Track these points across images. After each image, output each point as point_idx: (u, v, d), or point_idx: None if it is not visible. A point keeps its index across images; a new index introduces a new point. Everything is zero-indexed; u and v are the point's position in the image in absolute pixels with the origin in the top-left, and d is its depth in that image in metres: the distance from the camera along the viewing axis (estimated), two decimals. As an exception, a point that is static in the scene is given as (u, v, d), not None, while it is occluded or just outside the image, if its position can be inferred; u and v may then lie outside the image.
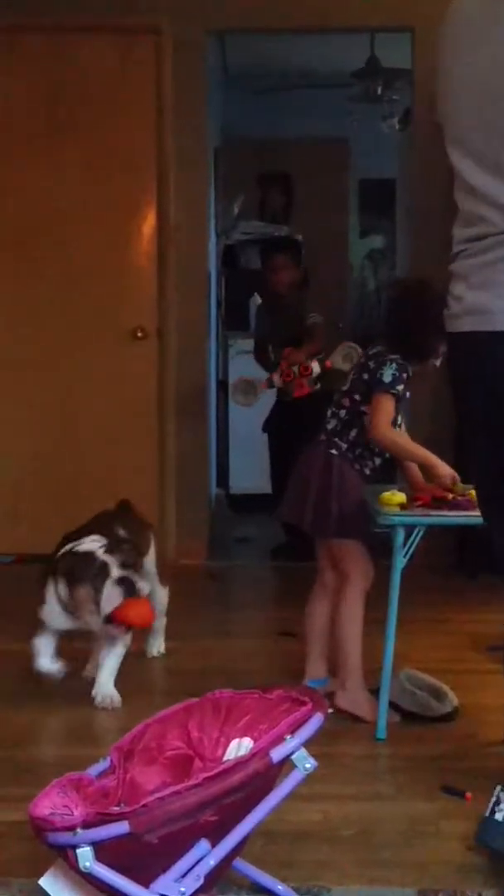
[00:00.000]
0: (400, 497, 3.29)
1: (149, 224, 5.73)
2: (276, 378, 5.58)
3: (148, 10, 5.59)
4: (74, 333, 5.73)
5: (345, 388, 3.59)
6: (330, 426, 3.56)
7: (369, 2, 5.56)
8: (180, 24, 5.59)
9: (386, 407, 3.42)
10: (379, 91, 7.47)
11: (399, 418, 3.54)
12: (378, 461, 3.55)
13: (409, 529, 3.31)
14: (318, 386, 5.46)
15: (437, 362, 3.46)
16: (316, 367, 5.45)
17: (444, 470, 3.41)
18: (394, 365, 3.44)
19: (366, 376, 3.51)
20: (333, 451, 3.51)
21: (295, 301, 5.80)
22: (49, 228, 5.72)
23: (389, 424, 3.43)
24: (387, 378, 3.43)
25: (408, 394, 3.51)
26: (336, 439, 3.52)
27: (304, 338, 5.62)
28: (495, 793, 2.50)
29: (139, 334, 5.71)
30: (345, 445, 3.51)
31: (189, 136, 5.68)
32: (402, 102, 7.20)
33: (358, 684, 3.46)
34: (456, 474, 3.39)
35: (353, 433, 3.52)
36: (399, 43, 5.91)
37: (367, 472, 3.54)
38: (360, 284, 9.39)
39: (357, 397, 3.52)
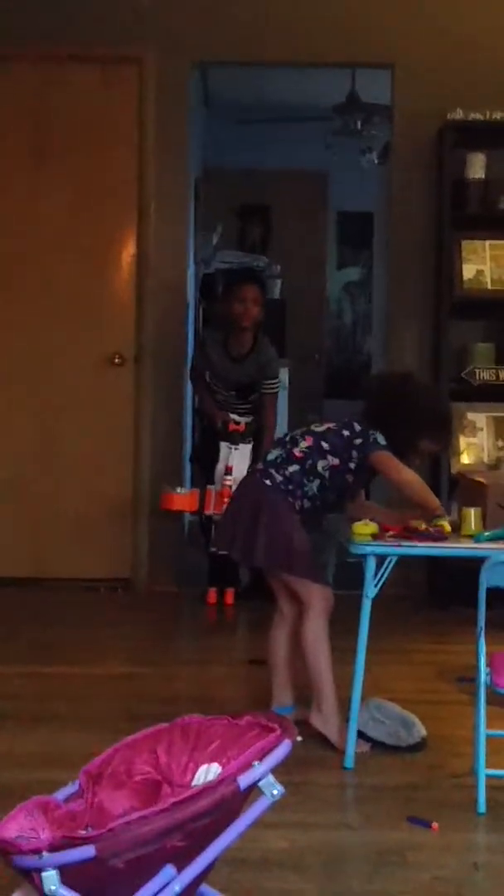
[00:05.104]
0: (372, 527, 3.31)
1: (128, 252, 5.76)
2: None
3: (133, 41, 5.64)
4: (53, 358, 5.74)
5: (317, 428, 3.57)
6: (271, 457, 3.56)
7: (351, 39, 5.64)
8: (165, 55, 5.65)
9: (394, 459, 3.46)
10: (358, 125, 7.56)
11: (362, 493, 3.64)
12: (307, 504, 3.51)
13: (381, 559, 3.33)
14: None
15: (417, 461, 3.55)
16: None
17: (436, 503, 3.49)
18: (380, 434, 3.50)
19: (346, 433, 3.50)
20: (267, 482, 3.50)
21: (261, 345, 5.41)
22: (29, 254, 5.74)
23: (407, 468, 3.48)
24: (381, 441, 3.47)
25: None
26: (272, 470, 3.51)
27: (256, 402, 5.40)
28: None
29: (116, 360, 5.73)
30: (280, 478, 3.49)
31: (170, 165, 5.72)
32: (381, 137, 7.28)
33: (332, 708, 3.47)
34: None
35: (291, 468, 3.49)
36: (379, 79, 5.99)
37: (297, 507, 3.51)
38: (337, 316, 9.46)
39: (325, 445, 3.50)
